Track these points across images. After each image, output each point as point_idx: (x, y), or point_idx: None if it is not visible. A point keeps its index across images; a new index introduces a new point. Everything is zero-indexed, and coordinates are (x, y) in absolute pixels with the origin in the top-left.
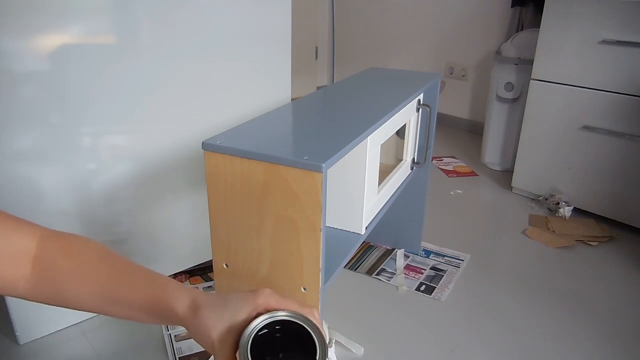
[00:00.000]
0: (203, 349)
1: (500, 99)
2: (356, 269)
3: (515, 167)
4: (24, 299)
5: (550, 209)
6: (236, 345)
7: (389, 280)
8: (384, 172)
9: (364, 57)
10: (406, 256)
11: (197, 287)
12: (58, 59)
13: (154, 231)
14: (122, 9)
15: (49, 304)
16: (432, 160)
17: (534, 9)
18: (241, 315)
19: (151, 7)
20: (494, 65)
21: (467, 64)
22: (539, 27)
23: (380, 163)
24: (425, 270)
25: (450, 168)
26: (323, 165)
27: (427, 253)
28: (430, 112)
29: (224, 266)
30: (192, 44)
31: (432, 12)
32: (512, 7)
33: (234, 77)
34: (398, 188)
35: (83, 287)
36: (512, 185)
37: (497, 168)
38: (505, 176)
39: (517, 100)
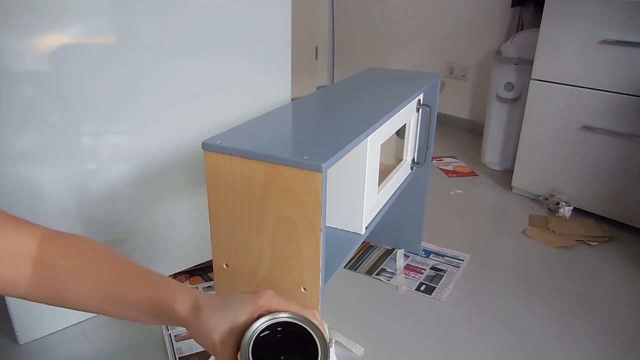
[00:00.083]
0: (203, 349)
1: (500, 99)
2: (356, 269)
3: (515, 167)
4: (25, 299)
5: (550, 209)
6: (237, 347)
7: (389, 280)
8: (384, 172)
9: (364, 57)
10: (406, 256)
11: (197, 287)
12: (58, 59)
13: (154, 231)
14: (122, 9)
15: (49, 304)
16: (432, 160)
17: (534, 9)
18: (242, 316)
19: (151, 7)
20: (494, 65)
21: (467, 64)
22: (539, 27)
23: (380, 163)
24: (425, 270)
25: (450, 168)
26: (323, 165)
27: (427, 253)
28: (430, 112)
29: (224, 266)
30: (192, 44)
31: (432, 12)
32: (512, 7)
33: (234, 77)
34: (398, 188)
35: (83, 287)
36: (512, 185)
37: (497, 168)
38: (505, 176)
39: (517, 100)
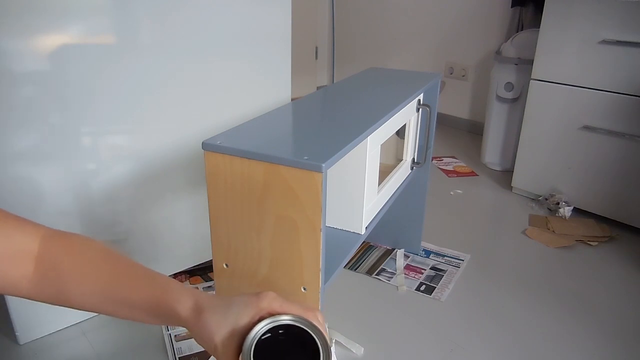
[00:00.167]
0: (203, 349)
1: (500, 99)
2: (356, 269)
3: (515, 167)
4: (27, 298)
5: (550, 209)
6: (239, 349)
7: (389, 280)
8: (384, 172)
9: (364, 57)
10: (406, 256)
11: (197, 287)
12: (58, 59)
13: (154, 231)
14: (122, 9)
15: (52, 304)
16: (432, 160)
17: (534, 9)
18: (244, 319)
19: (151, 7)
20: (494, 65)
21: (467, 64)
22: (539, 27)
23: (380, 163)
24: (425, 270)
25: (450, 168)
26: (323, 165)
27: (427, 253)
28: (430, 112)
29: (224, 266)
30: (192, 44)
31: (432, 12)
32: (512, 7)
33: (234, 77)
34: (398, 188)
35: (85, 287)
36: (512, 185)
37: (497, 168)
38: (505, 176)
39: (517, 100)
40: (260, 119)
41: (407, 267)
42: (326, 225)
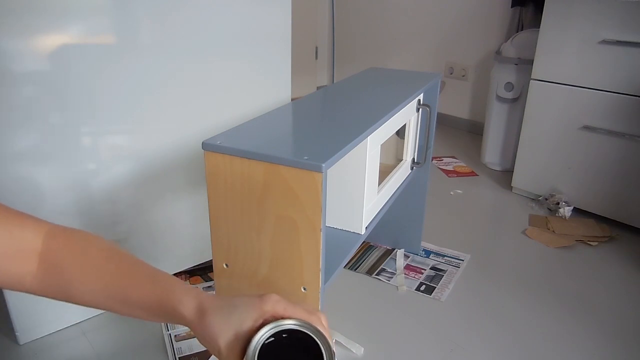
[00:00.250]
0: (203, 349)
1: (500, 99)
2: (356, 269)
3: (515, 167)
4: (32, 293)
5: (550, 209)
6: (243, 353)
7: (389, 280)
8: (384, 172)
9: (364, 57)
10: (406, 256)
11: (197, 287)
12: (58, 59)
13: (154, 231)
14: (122, 9)
15: (56, 299)
16: (432, 160)
17: (534, 9)
18: (248, 322)
19: (151, 7)
20: (494, 65)
21: (467, 64)
22: (539, 27)
23: (380, 163)
24: (425, 270)
25: (450, 168)
26: (323, 165)
27: (427, 253)
28: (430, 112)
29: (224, 266)
30: (192, 44)
31: (432, 12)
32: (512, 7)
33: (234, 77)
34: (398, 188)
35: (88, 286)
36: (512, 185)
37: (497, 168)
38: (505, 176)
39: (517, 100)
40: (260, 119)
41: (407, 267)
42: (326, 225)
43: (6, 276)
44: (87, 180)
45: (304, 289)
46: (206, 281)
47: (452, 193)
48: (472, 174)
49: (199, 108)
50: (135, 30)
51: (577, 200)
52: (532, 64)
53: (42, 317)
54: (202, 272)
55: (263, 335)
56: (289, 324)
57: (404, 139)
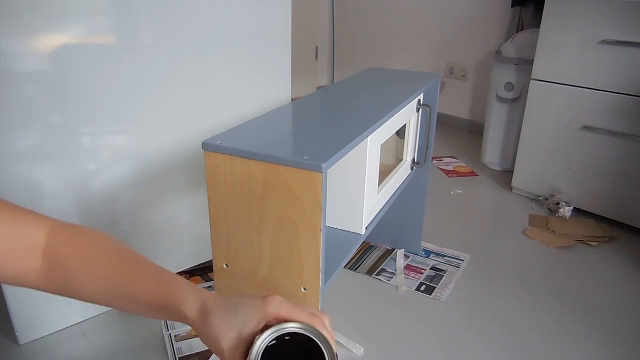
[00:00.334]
0: (203, 349)
1: (500, 99)
2: (356, 269)
3: (515, 167)
4: (36, 289)
5: (550, 209)
6: (245, 354)
7: (389, 280)
8: (384, 172)
9: (364, 57)
10: (406, 256)
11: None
12: (58, 59)
13: (154, 231)
14: (122, 9)
15: (60, 295)
16: (432, 160)
17: (534, 9)
18: (250, 324)
19: (151, 7)
20: (494, 65)
21: (467, 64)
22: (539, 27)
23: (380, 163)
24: (425, 270)
25: (450, 168)
26: (323, 165)
27: (427, 253)
28: (430, 112)
29: (224, 266)
30: (192, 44)
31: (432, 12)
32: (512, 7)
33: (234, 77)
34: (398, 188)
35: (91, 282)
36: (512, 185)
37: (497, 168)
38: (505, 176)
39: (517, 100)
40: (260, 119)
41: (407, 267)
42: (326, 225)
43: (11, 272)
44: (87, 180)
45: (304, 289)
46: (206, 281)
47: (452, 193)
48: (472, 174)
49: (199, 108)
50: (135, 30)
51: (577, 200)
52: (532, 64)
53: (42, 317)
54: (202, 272)
55: (265, 339)
56: (291, 327)
57: (404, 139)
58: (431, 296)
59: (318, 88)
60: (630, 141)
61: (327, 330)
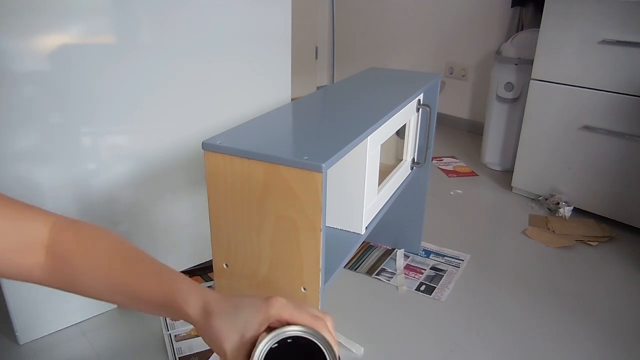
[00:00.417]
0: (203, 349)
1: (500, 99)
2: (356, 269)
3: (515, 167)
4: (40, 284)
5: (550, 209)
6: (248, 357)
7: (389, 280)
8: (384, 172)
9: (364, 57)
10: (406, 256)
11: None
12: (58, 59)
13: (154, 231)
14: (122, 9)
15: (63, 290)
16: (432, 160)
17: (534, 9)
18: (253, 325)
19: (151, 7)
20: (494, 65)
21: (467, 64)
22: (539, 27)
23: (380, 163)
24: (425, 270)
25: (450, 168)
26: (323, 165)
27: (427, 253)
28: (430, 112)
29: (224, 266)
30: (192, 44)
31: (432, 12)
32: (512, 7)
33: (234, 77)
34: (398, 188)
35: (94, 279)
36: (512, 185)
37: (497, 168)
38: (505, 176)
39: (517, 100)
40: (260, 119)
41: (407, 267)
42: (326, 225)
43: (15, 268)
44: (87, 180)
45: (304, 289)
46: (206, 281)
47: (452, 193)
48: (472, 174)
49: (199, 108)
50: (135, 30)
51: (577, 200)
52: (532, 64)
53: (42, 317)
54: (202, 272)
55: (267, 343)
56: (293, 330)
57: (404, 139)
58: (431, 296)
59: (318, 88)
60: (630, 141)
61: (330, 333)
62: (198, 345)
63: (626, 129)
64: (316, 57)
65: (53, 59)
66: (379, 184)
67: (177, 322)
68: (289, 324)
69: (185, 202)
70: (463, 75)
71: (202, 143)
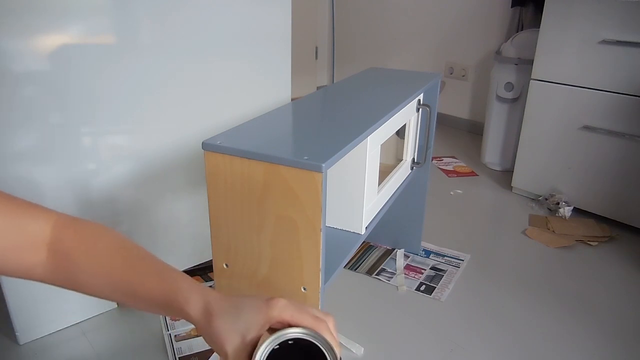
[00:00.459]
0: (203, 349)
1: (500, 99)
2: (356, 269)
3: (515, 167)
4: (42, 282)
5: (550, 209)
6: (250, 357)
7: (389, 280)
8: (384, 172)
9: (364, 57)
10: (406, 256)
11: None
12: (58, 59)
13: (154, 231)
14: (122, 9)
15: (65, 288)
16: (432, 160)
17: (534, 9)
18: (254, 327)
19: (151, 7)
20: (494, 65)
21: (467, 64)
22: (539, 27)
23: (380, 163)
24: (425, 270)
25: (450, 168)
26: (323, 165)
27: (427, 253)
28: (430, 112)
29: (224, 266)
30: (192, 44)
31: (432, 12)
32: (512, 7)
33: (234, 77)
34: (398, 188)
35: (96, 277)
36: (512, 185)
37: (497, 168)
38: (505, 176)
39: (517, 100)
40: (260, 119)
41: (407, 267)
42: (326, 225)
43: (17, 266)
44: (87, 180)
45: (304, 289)
46: (206, 281)
47: (452, 193)
48: (472, 174)
49: (199, 108)
50: (135, 30)
51: (577, 200)
52: (532, 64)
53: (42, 317)
54: (202, 272)
55: (269, 345)
56: (294, 332)
57: (404, 139)
58: (431, 296)
59: (318, 88)
60: (630, 141)
61: (331, 334)
62: (198, 345)
63: (626, 129)
64: (316, 57)
65: (53, 59)
66: (379, 184)
67: (177, 322)
68: (290, 325)
69: (185, 202)
70: (463, 75)
71: (202, 143)
